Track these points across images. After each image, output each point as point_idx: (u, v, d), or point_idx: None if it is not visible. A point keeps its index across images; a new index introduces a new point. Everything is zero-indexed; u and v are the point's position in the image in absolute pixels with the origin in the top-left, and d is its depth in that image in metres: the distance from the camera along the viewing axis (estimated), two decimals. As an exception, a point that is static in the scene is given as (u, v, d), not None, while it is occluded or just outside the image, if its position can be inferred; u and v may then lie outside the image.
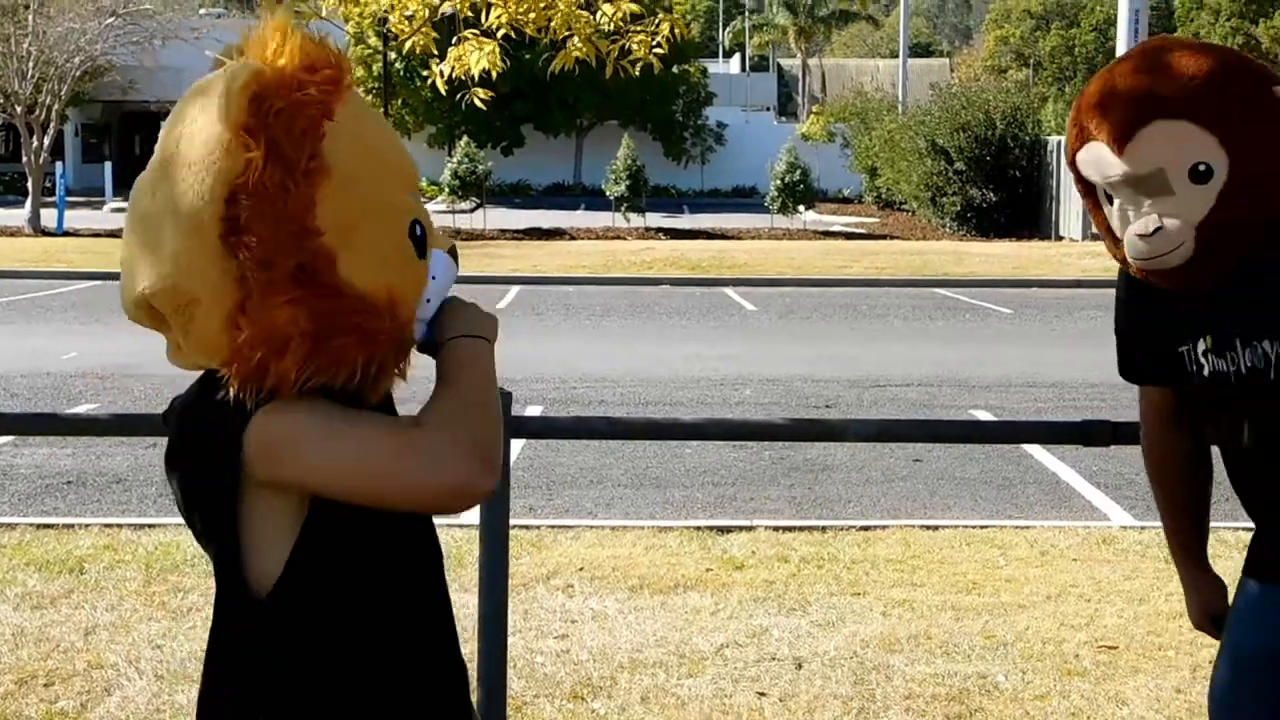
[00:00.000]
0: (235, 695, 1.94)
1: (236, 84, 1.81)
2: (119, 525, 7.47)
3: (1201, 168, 2.47)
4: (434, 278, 1.98)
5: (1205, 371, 2.58)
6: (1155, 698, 5.03)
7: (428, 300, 1.97)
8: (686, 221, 36.08)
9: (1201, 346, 2.59)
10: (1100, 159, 2.55)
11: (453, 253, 2.03)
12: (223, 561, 1.91)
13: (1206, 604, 2.94)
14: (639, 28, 6.54)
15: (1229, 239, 2.49)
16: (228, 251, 1.81)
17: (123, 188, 46.06)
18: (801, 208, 33.34)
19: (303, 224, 1.82)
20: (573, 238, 31.22)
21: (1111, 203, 2.59)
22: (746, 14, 75.68)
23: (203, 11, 49.34)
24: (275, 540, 1.88)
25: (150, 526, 7.41)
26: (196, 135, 1.84)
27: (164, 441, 2.01)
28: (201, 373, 1.96)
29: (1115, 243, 2.61)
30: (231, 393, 1.82)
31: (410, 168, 2.00)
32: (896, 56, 54.49)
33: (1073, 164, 2.63)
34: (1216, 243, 2.50)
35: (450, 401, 1.90)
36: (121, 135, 59.33)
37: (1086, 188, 2.63)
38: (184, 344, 1.88)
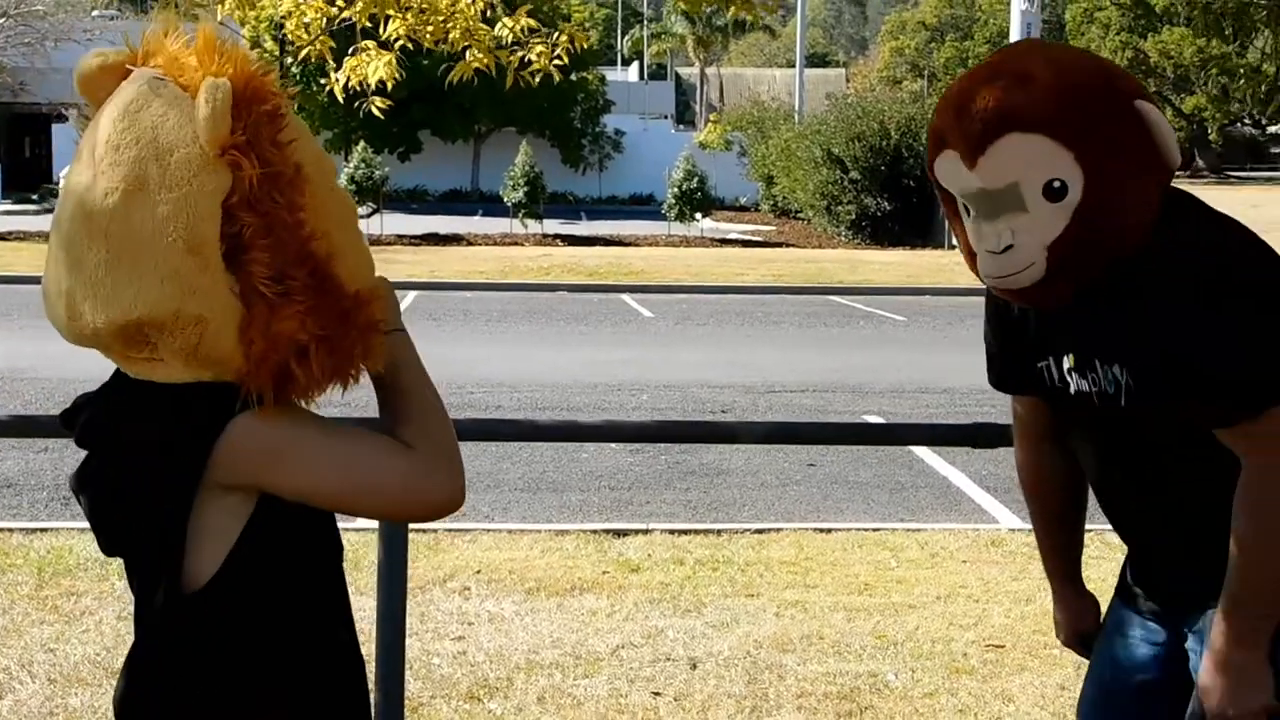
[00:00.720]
0: (159, 689, 1.96)
1: (219, 101, 1.80)
2: (9, 530, 7.39)
3: (1056, 184, 2.37)
4: None
5: (1071, 389, 2.53)
6: (1040, 694, 5.15)
7: None
8: (584, 228, 36.13)
9: (1066, 364, 2.53)
10: (956, 170, 2.45)
11: None
12: (155, 560, 1.92)
13: (1076, 622, 2.92)
14: (538, 40, 6.60)
15: (1082, 259, 2.40)
16: (231, 270, 1.83)
17: (12, 190, 45.41)
18: (699, 215, 33.51)
19: (300, 232, 1.86)
20: (470, 244, 31.19)
21: (969, 214, 2.49)
22: (645, 22, 75.92)
23: (95, 13, 48.67)
24: (217, 538, 1.90)
25: (42, 531, 7.34)
26: (168, 155, 1.83)
27: (57, 446, 2.03)
28: (113, 375, 1.97)
29: (971, 256, 2.52)
30: (263, 399, 1.86)
31: (330, 159, 2.04)
32: (794, 66, 54.88)
33: (931, 172, 2.55)
34: (1069, 263, 2.40)
35: (417, 410, 1.98)
36: (11, 137, 58.38)
37: (946, 196, 2.54)
38: (181, 362, 1.87)
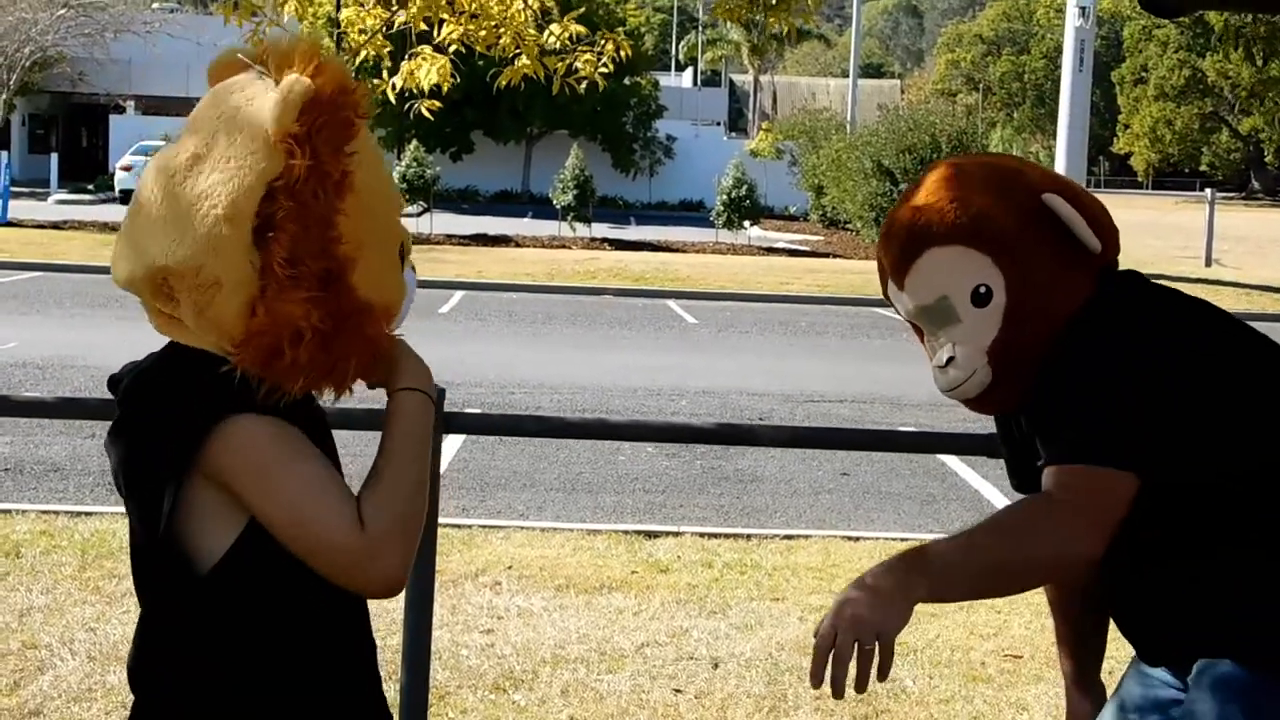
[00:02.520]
0: (165, 666, 2.04)
1: (294, 95, 1.97)
2: (56, 512, 7.58)
3: (982, 290, 2.44)
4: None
5: None
6: (1055, 705, 5.24)
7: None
8: (632, 233, 36.23)
9: None
10: (896, 294, 2.56)
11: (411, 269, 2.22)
12: (157, 536, 2.00)
13: None
14: (585, 47, 6.73)
15: (1020, 359, 2.44)
16: (257, 244, 1.97)
17: (68, 179, 45.86)
18: (747, 223, 33.57)
19: (329, 231, 1.99)
20: (518, 245, 31.34)
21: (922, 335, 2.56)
22: (700, 28, 75.97)
23: (155, 6, 49.12)
24: (223, 524, 1.99)
25: (87, 514, 7.52)
26: (238, 131, 2.00)
27: (102, 431, 2.14)
28: (164, 349, 2.08)
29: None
30: (239, 371, 1.96)
31: (399, 195, 2.18)
32: (848, 76, 54.87)
33: (886, 297, 2.62)
34: (1010, 365, 2.45)
35: (396, 484, 2.03)
36: (69, 127, 59.00)
37: (912, 323, 2.60)
38: (192, 321, 2.00)
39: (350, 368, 2.04)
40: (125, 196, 37.66)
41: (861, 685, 2.15)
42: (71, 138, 58.78)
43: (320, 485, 1.98)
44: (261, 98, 2.01)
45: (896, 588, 2.21)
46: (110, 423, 2.10)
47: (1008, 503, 2.47)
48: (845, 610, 2.17)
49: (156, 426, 1.98)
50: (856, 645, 2.15)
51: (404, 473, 2.04)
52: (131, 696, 2.12)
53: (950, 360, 2.50)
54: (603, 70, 6.76)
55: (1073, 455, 2.31)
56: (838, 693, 2.14)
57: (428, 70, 6.52)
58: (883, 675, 2.17)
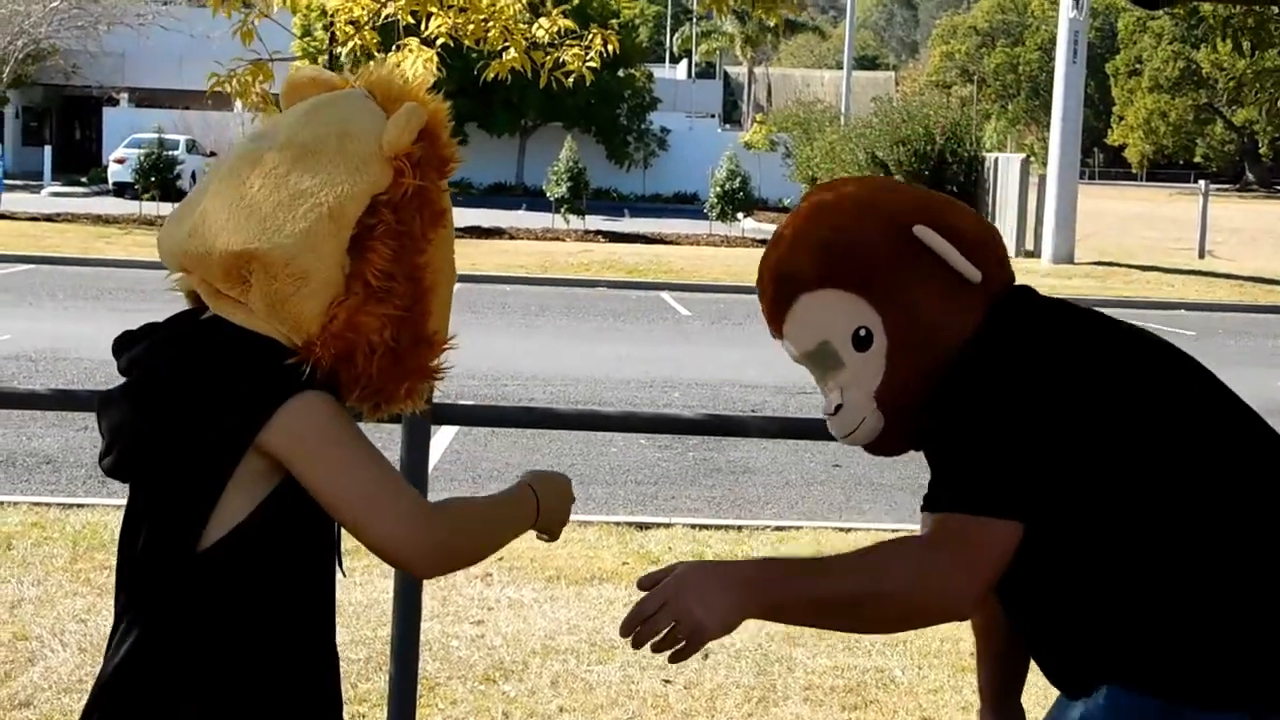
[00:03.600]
0: (149, 645, 2.03)
1: (415, 118, 2.07)
2: (47, 504, 7.59)
3: (862, 333, 2.36)
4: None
5: None
6: (1044, 695, 5.20)
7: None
8: (626, 225, 36.24)
9: None
10: (782, 342, 2.49)
11: None
12: (178, 510, 2.00)
13: None
14: (573, 42, 6.74)
15: (911, 402, 2.34)
16: (351, 251, 2.03)
17: (62, 172, 45.81)
18: (741, 215, 33.57)
19: (420, 256, 2.07)
20: (512, 237, 31.33)
21: None
22: (694, 20, 75.98)
23: (149, -2, 49.08)
24: (240, 500, 2.00)
25: (78, 506, 7.54)
26: (350, 140, 2.07)
27: (95, 424, 2.13)
28: (196, 325, 2.08)
29: None
30: (308, 367, 1.99)
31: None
32: (843, 68, 54.87)
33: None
34: (900, 408, 2.36)
35: (476, 506, 2.18)
36: (62, 120, 58.95)
37: None
38: (264, 309, 2.02)
39: (400, 391, 2.10)
40: (119, 189, 37.63)
41: (657, 651, 2.21)
42: (65, 130, 58.73)
43: (388, 462, 2.06)
44: (372, 116, 2.10)
45: (731, 608, 2.20)
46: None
47: None
48: (682, 598, 2.17)
49: (219, 398, 1.98)
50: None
51: (488, 516, 2.19)
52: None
53: (839, 408, 2.42)
54: (590, 65, 6.77)
55: (954, 504, 2.22)
56: (636, 646, 2.20)
57: (413, 63, 6.53)
58: (674, 660, 2.23)
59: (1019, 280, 2.45)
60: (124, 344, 2.11)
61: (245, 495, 2.01)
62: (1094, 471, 2.22)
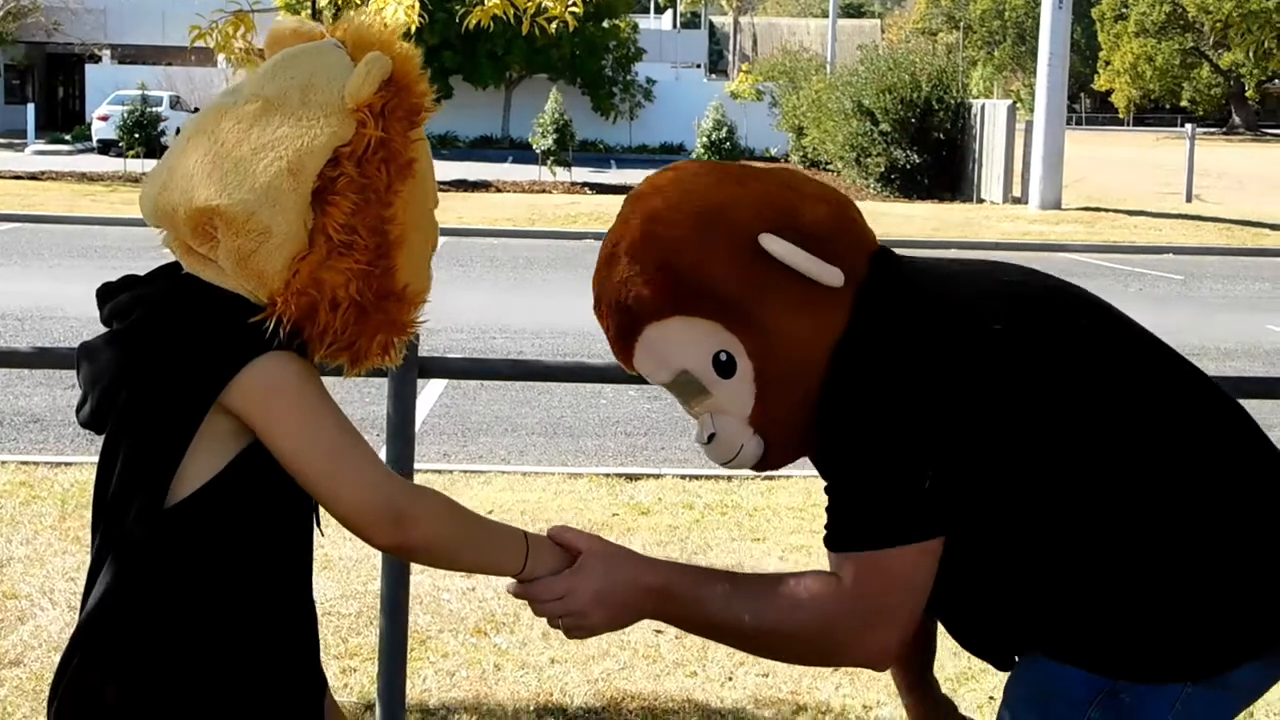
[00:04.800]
0: (122, 594, 2.01)
1: (376, 68, 2.02)
2: (35, 463, 7.57)
3: (723, 357, 2.18)
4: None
5: None
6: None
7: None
8: (614, 177, 36.13)
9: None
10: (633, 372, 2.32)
11: None
12: (144, 465, 1.99)
13: None
14: (555, -12, 6.69)
15: (792, 419, 2.19)
16: (314, 205, 2.00)
17: (45, 130, 45.61)
18: (728, 165, 33.47)
19: (385, 209, 2.03)
20: (499, 190, 31.23)
21: None
22: (679, -30, 75.65)
23: (129, -47, 48.77)
24: (209, 458, 1.99)
25: (66, 465, 7.51)
26: (314, 92, 2.04)
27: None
28: (175, 279, 2.07)
29: None
30: (271, 322, 1.96)
31: (436, 192, 2.21)
32: (828, 16, 54.68)
33: None
34: (781, 428, 2.21)
35: (457, 508, 2.11)
36: (45, 77, 58.63)
37: None
38: (230, 266, 2.00)
39: (371, 346, 2.07)
40: (103, 146, 37.47)
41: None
42: (48, 88, 58.43)
43: (354, 428, 2.03)
44: (339, 67, 2.06)
45: (629, 615, 2.20)
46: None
47: None
48: (582, 595, 2.15)
49: (185, 354, 1.97)
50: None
51: (465, 522, 2.11)
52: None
53: (712, 437, 2.26)
54: (573, 10, 6.72)
55: (862, 541, 2.12)
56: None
57: (394, 10, 6.48)
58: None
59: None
60: (105, 295, 2.11)
61: (214, 453, 1.99)
62: (997, 459, 2.11)
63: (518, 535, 2.19)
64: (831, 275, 2.16)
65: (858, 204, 2.35)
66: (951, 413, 2.09)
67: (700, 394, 2.24)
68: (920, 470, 2.09)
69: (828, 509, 2.18)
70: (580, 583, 2.16)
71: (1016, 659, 2.31)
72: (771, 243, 2.15)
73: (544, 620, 2.24)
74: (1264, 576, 2.16)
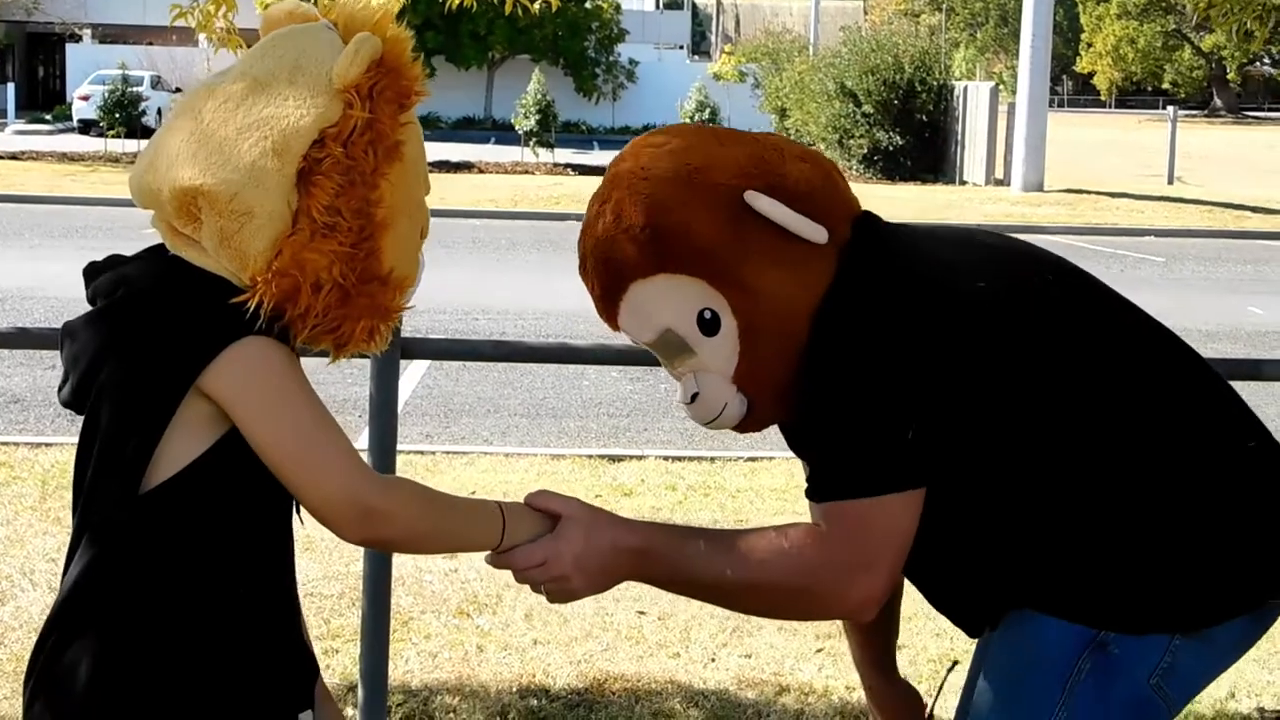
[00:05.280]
0: (100, 575, 2.00)
1: (364, 49, 2.00)
2: (15, 444, 7.55)
3: (707, 315, 2.20)
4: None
5: None
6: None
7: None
8: (596, 158, 36.07)
9: None
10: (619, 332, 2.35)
11: None
12: (121, 447, 1.97)
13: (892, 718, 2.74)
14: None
15: (775, 375, 2.21)
16: (298, 186, 1.98)
17: (26, 110, 45.39)
18: (710, 147, 33.39)
19: (371, 192, 2.01)
20: (482, 171, 31.17)
21: None
22: (662, -49, 75.48)
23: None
24: (188, 442, 1.97)
25: (47, 445, 7.50)
26: (301, 73, 2.02)
27: (60, 363, 2.09)
28: (161, 259, 2.05)
29: None
30: (252, 304, 1.94)
31: (429, 178, 2.19)
32: (810, -2, 54.60)
33: None
34: (765, 385, 2.23)
35: (430, 494, 2.09)
36: (25, 57, 58.35)
37: None
38: (213, 246, 1.99)
39: (355, 330, 2.05)
40: (84, 126, 37.31)
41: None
42: (28, 68, 58.16)
43: (331, 419, 2.01)
44: (329, 48, 2.04)
45: (608, 578, 2.21)
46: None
47: None
48: (563, 560, 2.16)
49: (165, 336, 1.96)
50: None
51: (439, 507, 2.10)
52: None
53: (695, 396, 2.28)
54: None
55: (844, 489, 2.14)
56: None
57: (378, -10, 6.44)
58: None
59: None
60: (90, 273, 2.09)
61: (193, 438, 1.97)
62: (983, 412, 2.14)
63: (492, 509, 2.18)
64: (816, 231, 2.18)
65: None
66: (934, 366, 2.12)
67: (684, 353, 2.26)
68: (903, 422, 2.11)
69: (814, 463, 2.20)
70: (560, 547, 2.17)
71: (989, 626, 2.32)
72: (757, 199, 2.17)
73: (527, 601, 2.25)
74: (1252, 530, 2.20)
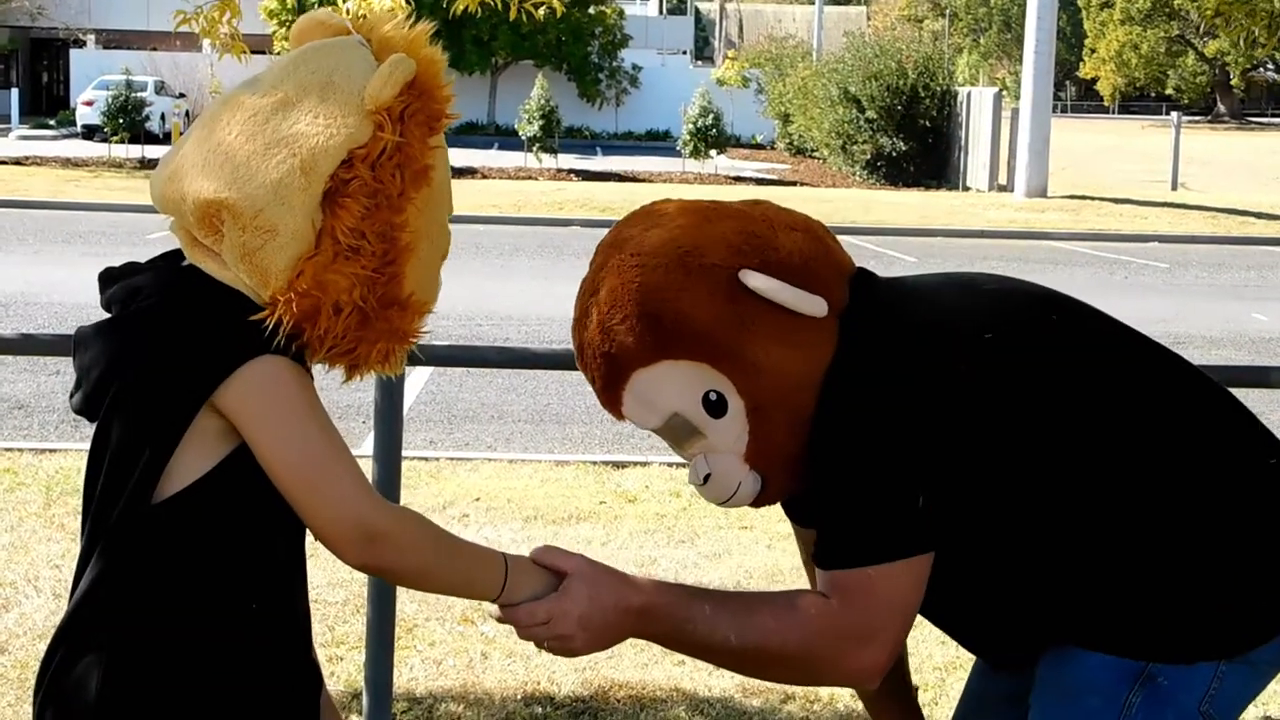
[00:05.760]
0: (110, 586, 1.99)
1: (399, 71, 1.98)
2: (20, 450, 7.54)
3: (713, 397, 2.16)
4: None
5: None
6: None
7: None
8: (599, 163, 36.09)
9: None
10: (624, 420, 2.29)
11: None
12: (132, 459, 1.96)
13: None
14: (542, -28, 6.66)
15: (787, 451, 2.18)
16: (324, 206, 1.96)
17: (30, 115, 45.43)
18: (714, 152, 33.41)
19: (397, 215, 1.99)
20: (485, 177, 31.19)
21: None
22: (665, -44, 75.51)
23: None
24: (199, 456, 1.96)
25: (51, 451, 7.49)
26: (333, 91, 1.99)
27: (67, 369, 2.08)
28: (177, 269, 2.04)
29: None
30: (271, 322, 1.93)
31: (452, 198, 2.19)
32: (814, 2, 54.60)
33: None
34: (777, 461, 2.20)
35: (435, 531, 2.07)
36: (29, 62, 58.41)
37: None
38: (234, 261, 1.97)
39: (372, 353, 2.04)
40: (88, 131, 37.32)
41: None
42: (32, 73, 58.21)
43: (341, 442, 1.99)
44: (361, 66, 2.02)
45: (612, 638, 2.18)
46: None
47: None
48: (567, 620, 2.13)
49: (181, 349, 1.95)
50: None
51: (443, 546, 2.08)
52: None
53: (708, 478, 2.24)
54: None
55: (847, 559, 2.13)
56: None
57: (381, -1, 6.45)
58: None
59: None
60: (106, 280, 2.08)
61: (205, 452, 1.96)
62: (1004, 466, 2.13)
63: (497, 559, 2.14)
64: (814, 305, 2.15)
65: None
66: (944, 430, 2.11)
67: (693, 435, 2.22)
68: (912, 489, 2.10)
69: (823, 531, 2.18)
70: (564, 606, 2.14)
71: (1017, 655, 2.32)
72: (752, 278, 2.13)
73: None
74: None
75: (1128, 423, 2.17)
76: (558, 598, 2.14)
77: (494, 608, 2.16)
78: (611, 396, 2.25)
